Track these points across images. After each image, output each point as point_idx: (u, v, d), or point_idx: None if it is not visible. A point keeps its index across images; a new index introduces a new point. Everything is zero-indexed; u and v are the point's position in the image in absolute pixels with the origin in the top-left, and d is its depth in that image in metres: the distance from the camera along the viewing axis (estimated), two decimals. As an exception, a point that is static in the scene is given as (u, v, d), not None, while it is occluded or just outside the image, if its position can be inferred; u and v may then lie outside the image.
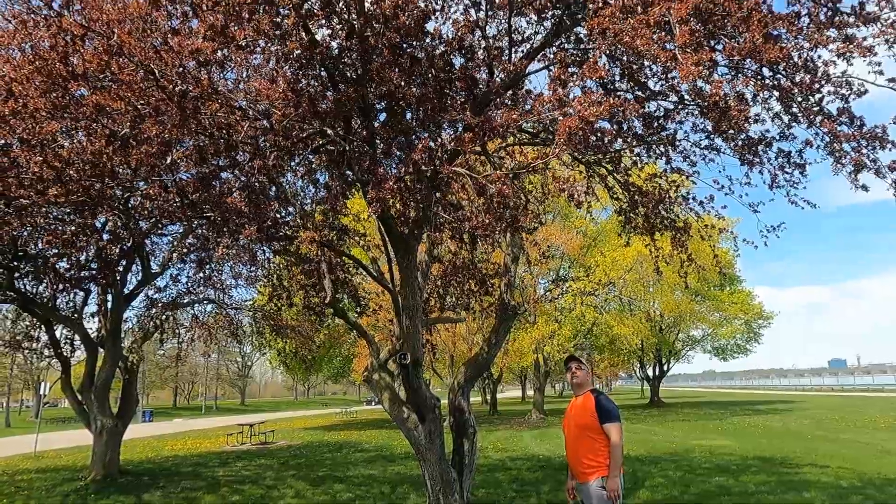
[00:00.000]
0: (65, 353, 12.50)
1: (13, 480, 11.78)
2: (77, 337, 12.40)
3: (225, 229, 4.82)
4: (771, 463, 10.47)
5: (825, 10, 4.75)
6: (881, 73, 4.78)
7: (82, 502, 9.17)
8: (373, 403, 64.87)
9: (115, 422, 11.38)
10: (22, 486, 10.87)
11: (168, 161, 4.26)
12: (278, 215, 6.29)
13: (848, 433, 15.25)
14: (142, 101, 4.16)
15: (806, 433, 15.68)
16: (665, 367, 38.40)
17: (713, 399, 43.96)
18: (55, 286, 10.33)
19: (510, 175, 4.48)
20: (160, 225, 9.04)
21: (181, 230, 12.33)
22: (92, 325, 13.37)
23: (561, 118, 3.23)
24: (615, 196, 7.43)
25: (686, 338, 37.13)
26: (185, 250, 11.71)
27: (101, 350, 11.85)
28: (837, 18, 4.78)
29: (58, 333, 12.61)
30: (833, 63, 4.97)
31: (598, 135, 3.50)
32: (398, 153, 4.82)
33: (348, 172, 5.31)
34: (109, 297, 12.14)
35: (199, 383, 76.29)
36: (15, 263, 10.10)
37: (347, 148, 4.63)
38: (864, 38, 4.79)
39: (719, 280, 31.43)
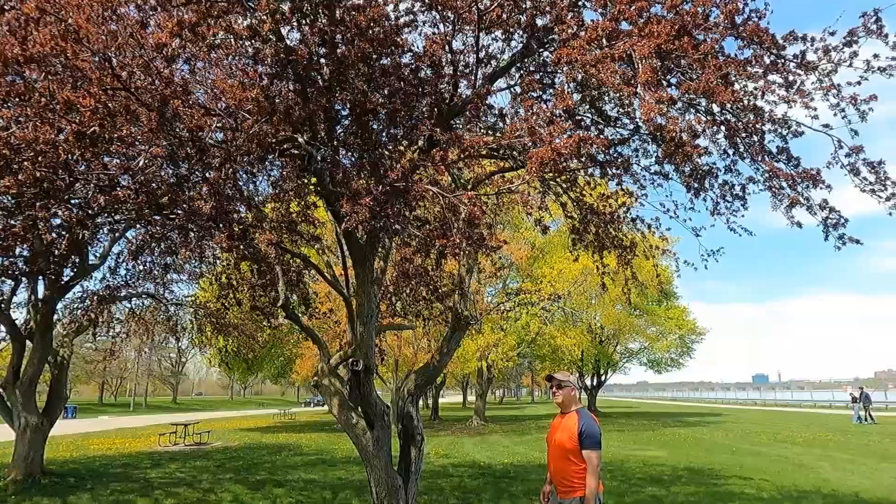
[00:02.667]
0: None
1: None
2: (2, 327, 11.70)
3: (192, 234, 4.69)
4: (700, 474, 11.02)
5: (771, 55, 5.12)
6: (816, 117, 5.20)
7: (1, 504, 8.66)
8: (311, 405, 63.74)
9: (41, 419, 10.79)
10: (-68, 486, 10.16)
11: (140, 163, 4.12)
12: (240, 216, 6.18)
13: (769, 447, 16.17)
14: (113, 101, 4.02)
15: (732, 446, 16.53)
16: (602, 378, 39.58)
17: (646, 410, 45.58)
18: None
19: (479, 196, 4.58)
20: (116, 223, 8.69)
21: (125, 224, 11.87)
22: (19, 316, 12.65)
23: (532, 147, 3.36)
24: (568, 214, 7.68)
25: (624, 350, 38.39)
26: (136, 247, 11.28)
27: (29, 343, 11.23)
28: (781, 64, 5.16)
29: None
30: (775, 103, 5.36)
31: (566, 163, 3.64)
32: (368, 168, 4.83)
33: (317, 182, 5.29)
34: (41, 286, 11.53)
35: (129, 379, 72.89)
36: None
37: (319, 157, 4.62)
38: (804, 84, 5.20)
39: (657, 296, 32.71)
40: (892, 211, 5.07)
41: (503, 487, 9.71)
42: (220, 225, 4.62)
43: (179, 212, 4.88)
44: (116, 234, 11.88)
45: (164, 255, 12.68)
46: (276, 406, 57.03)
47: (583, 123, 5.71)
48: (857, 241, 5.22)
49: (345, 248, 7.10)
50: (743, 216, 7.67)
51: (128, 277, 13.74)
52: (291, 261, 7.98)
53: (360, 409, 7.01)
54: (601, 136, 4.90)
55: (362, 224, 3.96)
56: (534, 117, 3.75)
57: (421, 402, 48.98)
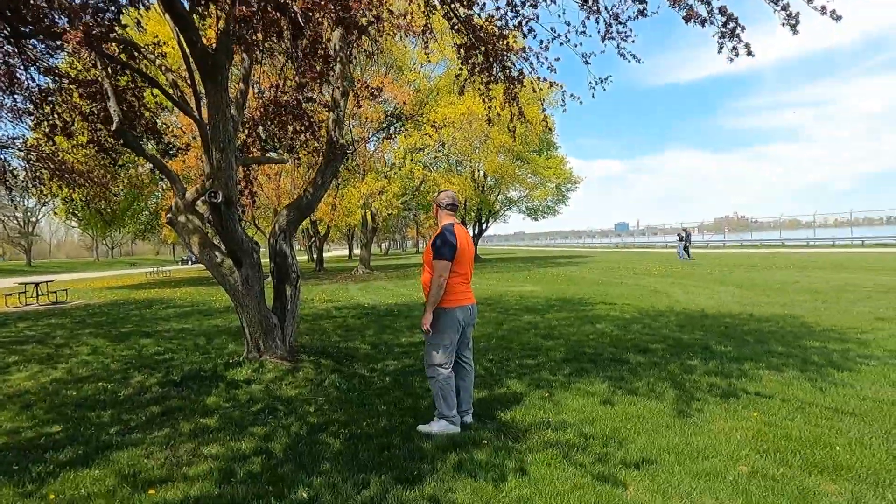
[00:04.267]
0: None
1: None
2: None
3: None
4: (570, 303, 11.83)
5: None
6: None
7: None
8: (190, 263, 61.10)
9: None
10: None
11: None
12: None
13: (629, 279, 17.84)
14: None
15: (597, 280, 18.04)
16: (484, 227, 41.18)
17: (523, 256, 48.81)
18: None
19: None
20: None
21: None
22: None
23: None
24: (456, 28, 6.87)
25: (504, 199, 39.74)
26: None
27: None
28: None
29: None
30: None
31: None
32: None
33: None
34: None
35: (-32, 242, 64.82)
36: None
37: None
38: None
39: (539, 145, 33.38)
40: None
41: (386, 324, 9.77)
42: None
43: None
44: None
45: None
46: (150, 266, 53.96)
47: None
48: (750, 52, 5.04)
49: (191, 60, 5.87)
50: (633, 41, 7.38)
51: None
52: (129, 77, 6.60)
53: (223, 248, 6.32)
54: None
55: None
56: None
57: (306, 257, 48.80)
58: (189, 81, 6.55)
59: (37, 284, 17.62)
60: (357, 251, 51.56)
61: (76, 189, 14.54)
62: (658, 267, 23.31)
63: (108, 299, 18.13)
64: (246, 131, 8.68)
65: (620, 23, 7.08)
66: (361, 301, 14.13)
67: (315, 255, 36.23)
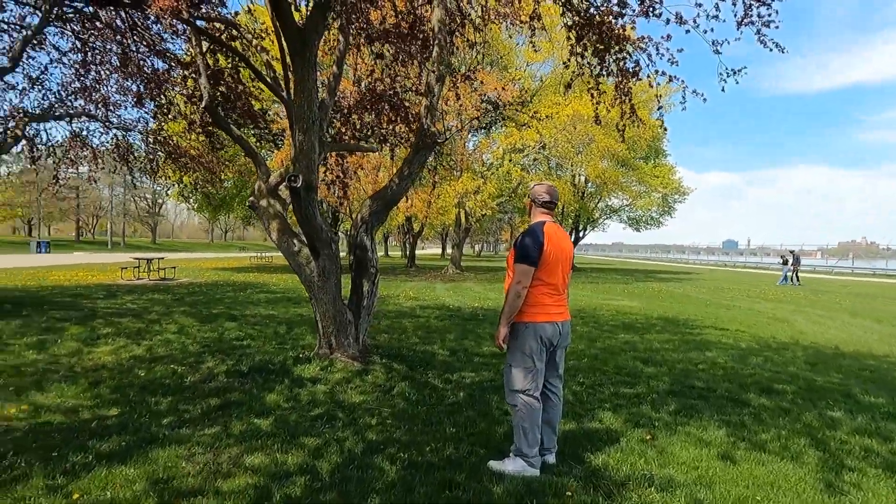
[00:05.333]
0: None
1: None
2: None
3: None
4: (674, 324, 10.63)
5: None
6: None
7: (-83, 327, 7.87)
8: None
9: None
10: None
11: None
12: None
13: (742, 301, 16.07)
14: None
15: (705, 300, 16.41)
16: (580, 234, 39.58)
17: (620, 267, 46.51)
18: None
19: None
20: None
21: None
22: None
23: None
24: (569, 7, 6.13)
25: (605, 207, 37.96)
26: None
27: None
28: None
29: None
30: None
31: None
32: None
33: None
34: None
35: (106, 217, 72.09)
36: None
37: None
38: None
39: (647, 151, 31.48)
40: None
41: (469, 329, 9.18)
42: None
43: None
44: (28, 33, 9.98)
45: (89, 66, 10.91)
46: (256, 251, 57.13)
47: None
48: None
49: (281, 34, 5.58)
50: (777, 27, 6.37)
51: (63, 93, 12.06)
52: (222, 56, 6.48)
53: (302, 236, 6.00)
54: None
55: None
56: None
57: (399, 252, 49.87)
58: (283, 63, 6.31)
59: (149, 261, 18.77)
60: (449, 250, 51.64)
61: (187, 172, 15.24)
62: (774, 291, 21.01)
63: (210, 280, 18.97)
64: (340, 119, 8.44)
65: (764, 3, 6.11)
66: (447, 302, 13.65)
67: (407, 251, 36.47)
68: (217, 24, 6.81)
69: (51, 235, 70.76)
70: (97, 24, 10.17)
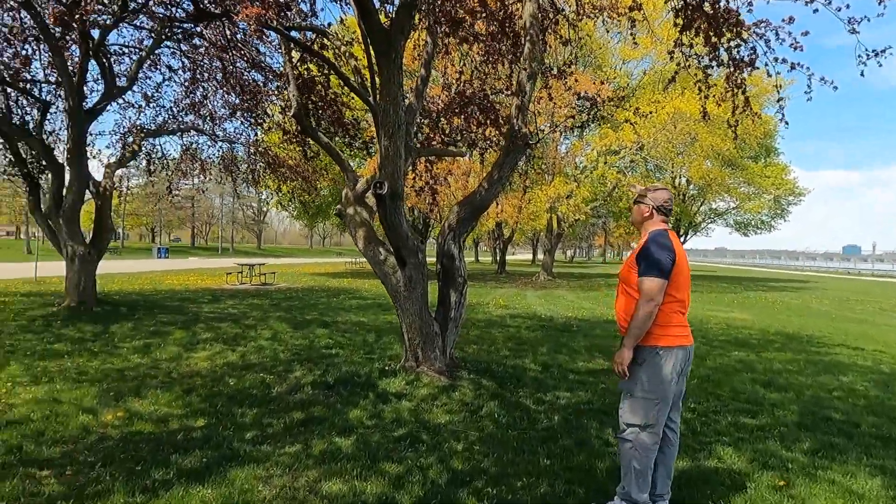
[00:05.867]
0: (32, 173, 11.39)
1: (-9, 302, 11.33)
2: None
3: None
4: (796, 341, 9.50)
5: None
6: None
7: (45, 328, 8.53)
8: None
9: (87, 249, 10.56)
10: (-6, 308, 10.37)
11: None
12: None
13: (874, 316, 14.26)
14: None
15: (829, 312, 14.73)
16: (682, 240, 37.35)
17: (725, 274, 43.45)
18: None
19: None
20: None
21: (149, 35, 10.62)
22: (61, 145, 12.19)
23: None
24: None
25: (708, 210, 35.59)
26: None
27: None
28: None
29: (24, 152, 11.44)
30: None
31: None
32: None
33: None
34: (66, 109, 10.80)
35: (216, 225, 77.73)
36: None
37: None
38: None
39: (757, 149, 29.13)
40: None
41: (563, 342, 8.65)
42: None
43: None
44: (143, 54, 10.70)
45: (196, 82, 11.50)
46: (352, 257, 58.98)
47: None
48: None
49: (367, 38, 5.44)
50: (933, -3, 5.43)
51: (175, 110, 12.86)
52: (310, 62, 6.47)
53: (388, 245, 5.82)
54: None
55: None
56: None
57: (489, 258, 49.59)
58: (369, 67, 6.20)
59: (251, 266, 19.72)
60: (540, 256, 50.63)
61: (285, 182, 15.82)
62: (915, 303, 18.56)
63: (307, 285, 19.61)
64: (429, 124, 8.26)
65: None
66: (538, 311, 13.13)
67: (498, 257, 36.09)
68: (308, 34, 6.84)
69: (170, 242, 77.37)
70: (203, 40, 10.73)
